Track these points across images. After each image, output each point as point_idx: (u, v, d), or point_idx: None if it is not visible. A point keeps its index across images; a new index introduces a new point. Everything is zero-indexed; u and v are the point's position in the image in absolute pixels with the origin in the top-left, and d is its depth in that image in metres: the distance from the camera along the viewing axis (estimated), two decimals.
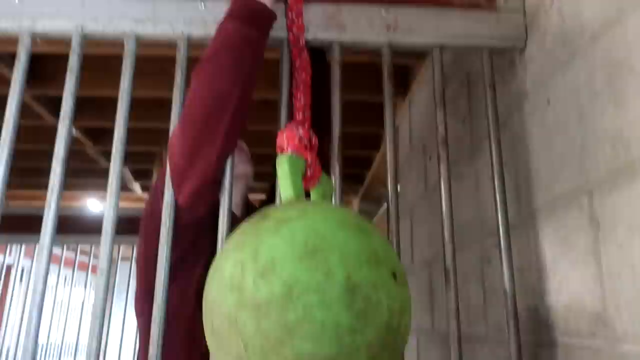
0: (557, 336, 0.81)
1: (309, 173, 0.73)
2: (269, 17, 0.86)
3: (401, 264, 0.63)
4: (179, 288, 0.88)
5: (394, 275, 0.56)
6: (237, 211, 1.12)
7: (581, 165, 0.77)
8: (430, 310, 1.60)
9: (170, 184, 0.83)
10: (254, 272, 0.53)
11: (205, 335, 0.58)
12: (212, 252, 0.80)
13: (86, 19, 0.89)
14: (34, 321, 0.75)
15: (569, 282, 0.79)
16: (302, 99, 0.87)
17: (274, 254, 0.53)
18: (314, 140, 0.77)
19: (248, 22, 0.82)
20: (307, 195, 0.74)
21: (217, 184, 0.85)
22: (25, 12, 0.88)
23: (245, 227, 0.60)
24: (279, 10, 0.90)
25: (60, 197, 0.80)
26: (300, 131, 0.75)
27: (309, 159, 0.73)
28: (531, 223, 0.92)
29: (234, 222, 0.80)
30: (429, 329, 1.62)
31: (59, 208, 0.80)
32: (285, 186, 0.69)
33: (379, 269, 0.55)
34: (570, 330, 0.78)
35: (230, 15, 0.83)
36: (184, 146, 0.82)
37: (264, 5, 0.85)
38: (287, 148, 0.73)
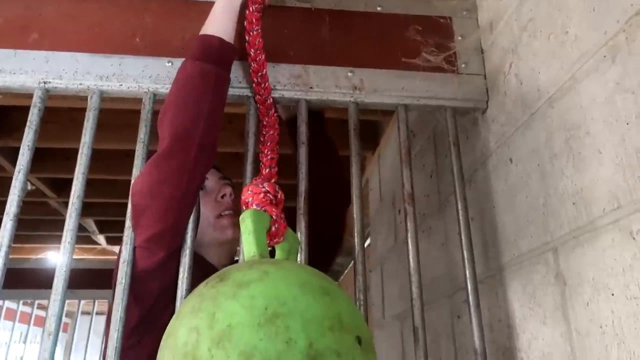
0: None
1: (273, 229, 0.71)
2: (226, 50, 0.84)
3: (367, 327, 0.61)
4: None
5: (359, 341, 0.54)
6: None
7: (545, 222, 0.78)
8: None
9: (128, 239, 0.80)
10: (209, 340, 0.50)
11: None
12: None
13: (49, 74, 0.88)
14: None
15: (539, 340, 0.78)
16: (269, 154, 0.86)
17: (231, 321, 0.51)
18: (280, 195, 0.75)
19: (204, 59, 0.81)
20: (273, 251, 0.72)
21: (179, 230, 0.82)
22: None
23: (202, 289, 0.58)
24: (240, 68, 0.92)
25: (9, 253, 0.76)
26: (266, 186, 0.74)
27: (275, 215, 0.72)
28: (499, 279, 0.92)
29: None
30: None
31: (6, 265, 0.76)
32: (248, 242, 0.67)
33: (343, 335, 0.53)
34: None
35: (189, 56, 0.83)
36: (144, 184, 0.80)
37: (218, 40, 0.83)
38: (251, 203, 0.71)
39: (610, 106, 0.65)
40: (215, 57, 0.82)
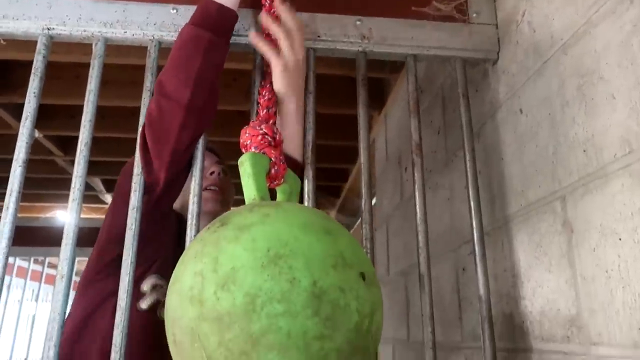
0: (532, 342, 0.81)
1: (273, 171, 0.70)
2: (224, 17, 0.84)
3: (370, 263, 0.61)
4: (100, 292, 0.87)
5: (363, 277, 0.55)
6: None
7: (554, 171, 0.77)
8: (406, 321, 1.59)
9: (137, 186, 0.80)
10: (214, 284, 0.51)
11: (169, 346, 0.56)
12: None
13: (53, 20, 0.86)
14: None
15: (543, 287, 0.79)
16: (266, 95, 0.85)
17: (234, 263, 0.51)
18: (279, 136, 0.74)
19: (200, 24, 0.81)
20: (274, 194, 0.72)
21: (170, 188, 0.86)
22: None
23: (204, 234, 0.58)
24: (246, 17, 0.90)
25: (19, 201, 0.76)
26: (264, 128, 0.73)
27: (273, 157, 0.70)
28: (505, 230, 0.93)
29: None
30: (404, 340, 1.61)
31: (16, 213, 0.76)
32: (248, 186, 0.66)
33: (346, 272, 0.53)
34: (545, 335, 0.78)
35: (188, 21, 0.83)
36: (147, 142, 0.82)
37: (217, 6, 0.83)
38: (249, 146, 0.71)
39: (625, 49, 0.63)
40: (211, 24, 0.82)
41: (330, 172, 2.99)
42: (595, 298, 0.66)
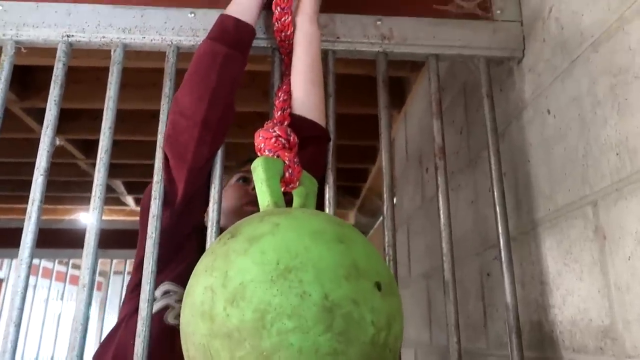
0: (562, 352, 0.78)
1: (287, 174, 0.68)
2: (241, 31, 0.83)
3: (388, 270, 0.59)
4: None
5: (378, 286, 0.52)
6: None
7: (584, 175, 0.74)
8: (429, 324, 1.56)
9: (157, 194, 0.80)
10: (223, 299, 0.50)
11: None
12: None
13: (72, 28, 0.86)
14: (10, 337, 0.71)
15: (574, 296, 0.76)
16: (281, 96, 0.83)
17: (243, 278, 0.50)
18: (293, 138, 0.72)
19: (218, 39, 0.80)
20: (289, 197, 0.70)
21: (191, 205, 0.84)
22: (9, 20, 0.86)
23: (214, 247, 0.57)
24: (267, 20, 0.89)
25: (41, 210, 0.77)
26: (277, 130, 0.71)
27: (287, 159, 0.68)
28: (533, 235, 0.90)
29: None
30: (427, 343, 1.58)
31: (39, 220, 0.77)
32: (261, 192, 0.65)
33: (360, 282, 0.51)
34: (576, 345, 0.75)
35: (207, 36, 0.82)
36: (168, 157, 0.81)
37: (234, 21, 0.82)
38: (263, 150, 0.69)
39: None
40: (228, 39, 0.81)
41: (350, 172, 2.97)
42: (631, 309, 0.63)
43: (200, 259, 0.58)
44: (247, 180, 1.02)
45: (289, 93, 0.84)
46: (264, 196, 0.64)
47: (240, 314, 0.48)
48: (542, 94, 0.88)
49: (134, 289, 0.90)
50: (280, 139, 0.69)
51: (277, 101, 0.83)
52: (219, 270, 0.52)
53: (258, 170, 0.65)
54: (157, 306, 0.90)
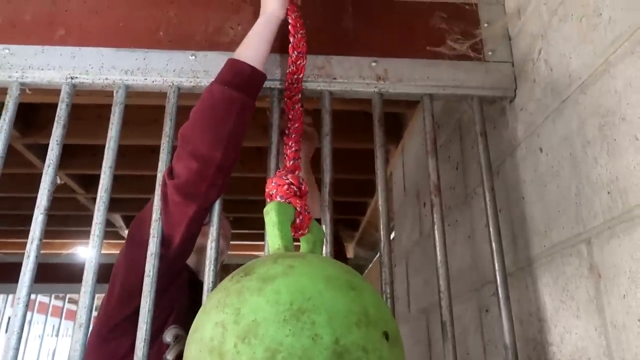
0: None
1: (298, 221, 0.70)
2: (255, 78, 0.85)
3: (394, 321, 0.60)
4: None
5: (386, 336, 0.53)
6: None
7: (578, 213, 0.75)
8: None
9: (155, 232, 0.80)
10: (235, 336, 0.50)
11: None
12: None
13: (76, 70, 0.89)
14: None
15: (572, 334, 0.76)
16: (293, 147, 0.86)
17: (256, 316, 0.50)
18: (304, 187, 0.75)
19: (232, 85, 0.81)
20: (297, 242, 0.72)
21: (190, 245, 0.86)
22: (15, 63, 0.88)
23: (226, 283, 0.57)
24: (269, 61, 0.91)
25: (40, 248, 0.77)
26: (290, 178, 0.73)
27: (299, 207, 0.71)
28: (529, 270, 0.90)
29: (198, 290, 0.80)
30: None
31: (38, 258, 0.77)
32: (273, 235, 0.66)
33: (370, 330, 0.52)
34: None
35: (216, 79, 0.83)
36: (170, 198, 0.81)
37: (250, 68, 0.83)
38: (275, 195, 0.71)
39: None
40: (243, 85, 0.82)
41: (348, 205, 2.98)
42: (628, 347, 0.63)
43: (210, 295, 0.59)
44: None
45: (299, 143, 0.87)
46: (275, 239, 0.65)
47: (251, 352, 0.48)
48: (535, 132, 0.90)
49: (116, 327, 0.86)
50: (292, 186, 0.72)
51: (287, 150, 0.85)
52: (232, 307, 0.52)
53: (271, 214, 0.67)
54: (174, 352, 0.87)
